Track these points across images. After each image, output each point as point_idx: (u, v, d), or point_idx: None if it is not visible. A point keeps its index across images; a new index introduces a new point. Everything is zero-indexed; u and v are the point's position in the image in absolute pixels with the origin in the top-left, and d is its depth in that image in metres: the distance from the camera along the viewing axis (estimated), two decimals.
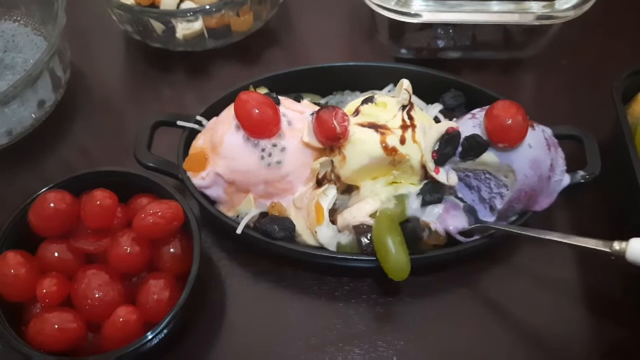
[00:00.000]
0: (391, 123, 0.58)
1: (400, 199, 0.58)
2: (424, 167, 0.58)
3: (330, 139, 0.58)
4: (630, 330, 0.59)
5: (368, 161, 0.57)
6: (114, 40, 0.84)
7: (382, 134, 0.57)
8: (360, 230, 0.58)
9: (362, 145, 0.57)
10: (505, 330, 0.59)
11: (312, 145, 0.59)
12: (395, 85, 0.69)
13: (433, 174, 0.57)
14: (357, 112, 0.60)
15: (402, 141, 0.57)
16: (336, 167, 0.59)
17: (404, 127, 0.58)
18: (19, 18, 0.80)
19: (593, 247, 0.52)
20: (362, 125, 0.58)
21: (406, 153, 0.57)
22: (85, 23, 0.84)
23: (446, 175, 0.57)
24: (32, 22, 0.80)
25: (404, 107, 0.59)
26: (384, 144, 0.57)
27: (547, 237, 0.55)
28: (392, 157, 0.57)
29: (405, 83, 0.60)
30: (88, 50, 0.83)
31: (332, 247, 0.59)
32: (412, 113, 0.59)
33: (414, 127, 0.58)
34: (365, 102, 0.60)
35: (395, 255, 0.55)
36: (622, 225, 0.65)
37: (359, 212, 0.58)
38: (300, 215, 0.60)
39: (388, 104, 0.59)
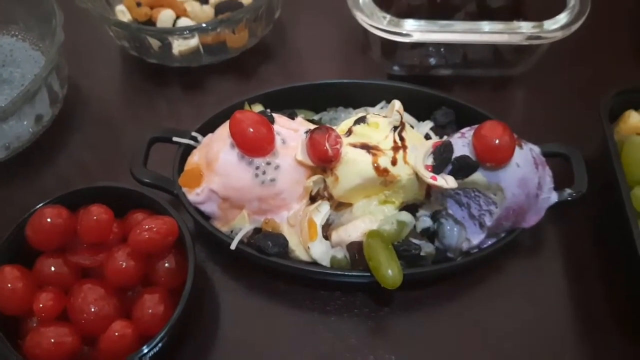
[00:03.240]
0: (383, 144, 0.59)
1: (401, 225, 0.59)
2: (422, 182, 0.59)
3: (322, 161, 0.59)
4: (620, 345, 0.60)
5: (360, 181, 0.59)
6: (110, 55, 0.85)
7: (374, 155, 0.58)
8: (352, 247, 0.59)
9: (355, 166, 0.58)
10: (497, 345, 0.60)
11: (305, 164, 0.60)
12: (387, 102, 0.71)
13: (430, 181, 0.57)
14: (349, 132, 0.61)
15: (394, 162, 0.58)
16: (329, 187, 0.60)
17: (395, 148, 0.59)
18: (17, 33, 0.81)
19: None
20: (355, 146, 0.59)
21: (397, 174, 0.58)
22: (82, 39, 0.85)
23: (444, 180, 0.58)
24: (30, 37, 0.81)
25: (395, 127, 0.60)
26: (375, 165, 0.58)
27: None
28: (383, 178, 0.58)
29: (397, 104, 0.61)
30: (85, 65, 0.84)
31: (326, 263, 0.60)
32: (404, 134, 0.60)
33: (405, 148, 0.59)
34: (357, 122, 0.61)
35: (386, 262, 0.56)
36: (609, 241, 0.66)
37: (355, 230, 0.59)
38: (294, 231, 0.61)
39: (380, 124, 0.60)
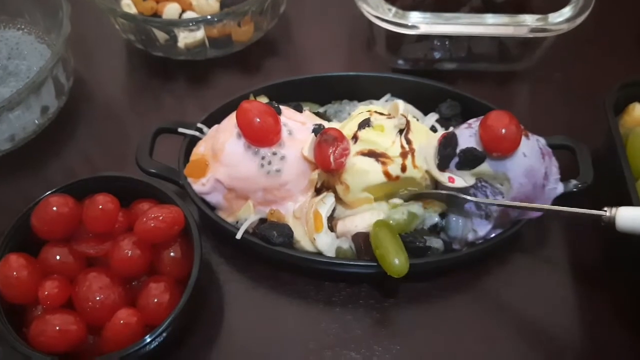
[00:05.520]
0: (391, 151, 0.59)
1: (412, 215, 0.59)
2: (432, 180, 0.60)
3: (325, 169, 0.59)
4: (622, 337, 0.60)
5: (371, 188, 0.59)
6: (116, 48, 0.86)
7: (383, 163, 0.58)
8: (358, 237, 0.59)
9: (365, 175, 0.58)
10: (500, 336, 0.60)
11: (310, 161, 0.60)
12: (392, 95, 0.71)
13: (449, 184, 0.58)
14: (355, 139, 0.60)
15: (403, 169, 0.58)
16: (340, 194, 0.60)
17: (403, 154, 0.59)
18: (23, 26, 0.82)
19: (585, 212, 0.54)
20: (363, 154, 0.59)
21: (409, 177, 0.59)
22: (88, 31, 0.85)
23: (463, 180, 0.58)
24: (36, 30, 0.81)
25: (401, 131, 0.60)
26: (385, 173, 0.58)
27: (542, 206, 0.58)
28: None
29: (401, 107, 0.61)
30: (91, 58, 0.84)
31: (331, 254, 0.60)
32: (410, 136, 0.60)
33: (413, 152, 0.59)
34: (362, 126, 0.60)
35: (394, 250, 0.56)
36: (613, 232, 0.66)
37: (362, 221, 0.59)
38: (299, 222, 0.61)
39: (385, 126, 0.60)
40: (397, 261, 0.55)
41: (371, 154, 0.59)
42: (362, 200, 0.60)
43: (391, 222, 0.59)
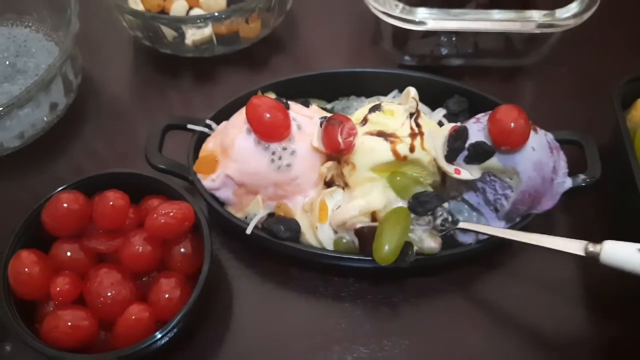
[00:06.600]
0: (400, 131, 0.59)
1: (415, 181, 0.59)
2: (440, 169, 0.60)
3: (334, 152, 0.59)
4: (629, 328, 0.60)
5: (378, 167, 0.59)
6: (124, 46, 0.86)
7: (392, 142, 0.58)
8: (361, 231, 0.59)
9: (373, 153, 0.58)
10: (509, 331, 0.60)
11: (320, 150, 0.60)
12: (399, 91, 0.71)
13: (455, 175, 0.58)
14: (365, 121, 0.60)
15: (412, 149, 0.58)
16: (346, 176, 0.60)
17: (412, 135, 0.59)
18: (30, 24, 0.82)
19: (566, 250, 0.52)
20: (371, 134, 0.59)
21: (416, 159, 0.59)
22: (96, 29, 0.85)
23: (469, 172, 0.58)
24: (43, 28, 0.81)
25: (411, 115, 0.60)
26: (394, 151, 0.58)
27: (519, 239, 0.56)
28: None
29: (412, 92, 0.61)
30: (99, 56, 0.84)
31: (330, 247, 0.60)
32: (420, 120, 0.60)
33: (422, 135, 0.59)
34: (372, 110, 0.61)
35: (390, 234, 0.56)
36: (622, 228, 0.66)
37: (353, 209, 0.59)
38: (307, 215, 0.61)
39: (395, 111, 0.60)
40: (387, 247, 0.55)
41: (380, 134, 0.59)
42: (367, 180, 0.60)
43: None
